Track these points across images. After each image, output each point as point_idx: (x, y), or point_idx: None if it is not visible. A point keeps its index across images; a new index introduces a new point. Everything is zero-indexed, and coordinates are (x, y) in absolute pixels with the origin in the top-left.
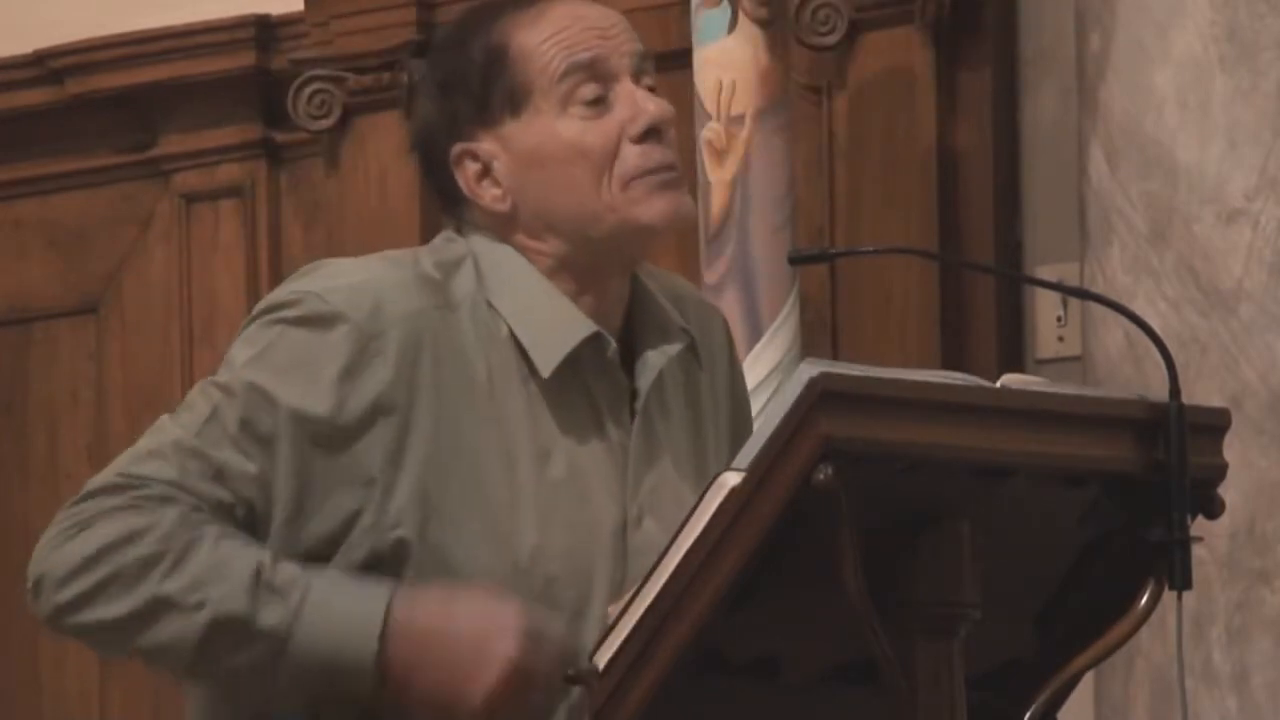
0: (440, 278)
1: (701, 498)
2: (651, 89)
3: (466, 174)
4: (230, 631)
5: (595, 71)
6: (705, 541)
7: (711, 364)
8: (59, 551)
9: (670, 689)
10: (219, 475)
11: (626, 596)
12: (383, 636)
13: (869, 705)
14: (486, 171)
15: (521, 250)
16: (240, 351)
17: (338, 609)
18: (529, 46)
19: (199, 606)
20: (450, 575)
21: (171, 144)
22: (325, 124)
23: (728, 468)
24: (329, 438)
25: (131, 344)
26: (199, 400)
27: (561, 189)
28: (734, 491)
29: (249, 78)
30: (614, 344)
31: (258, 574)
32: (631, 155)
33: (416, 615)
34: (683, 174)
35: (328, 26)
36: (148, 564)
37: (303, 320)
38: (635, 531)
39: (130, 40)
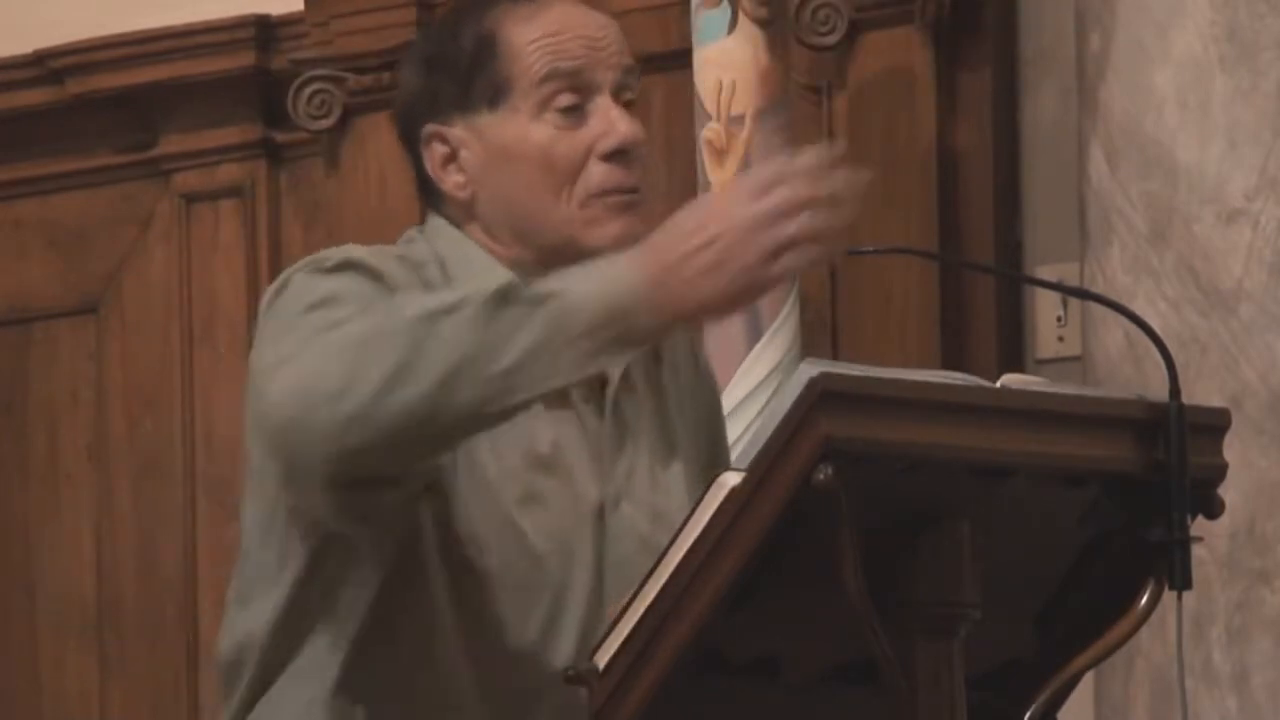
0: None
1: (701, 498)
2: (631, 103)
3: (433, 155)
4: (507, 305)
5: (576, 81)
6: (705, 541)
7: (674, 356)
8: (289, 373)
9: (670, 689)
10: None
11: (626, 596)
12: (639, 268)
13: (869, 705)
14: (453, 156)
15: (481, 242)
16: (292, 297)
17: (583, 271)
18: (517, 44)
19: (466, 301)
20: (448, 529)
21: (171, 144)
22: (325, 124)
23: (729, 468)
24: None
25: (131, 344)
26: (285, 329)
27: (522, 190)
28: (734, 491)
29: (249, 78)
30: None
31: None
32: (596, 172)
33: (651, 244)
34: (645, 197)
35: (328, 26)
36: (390, 310)
37: (341, 266)
38: (613, 514)
39: (130, 40)
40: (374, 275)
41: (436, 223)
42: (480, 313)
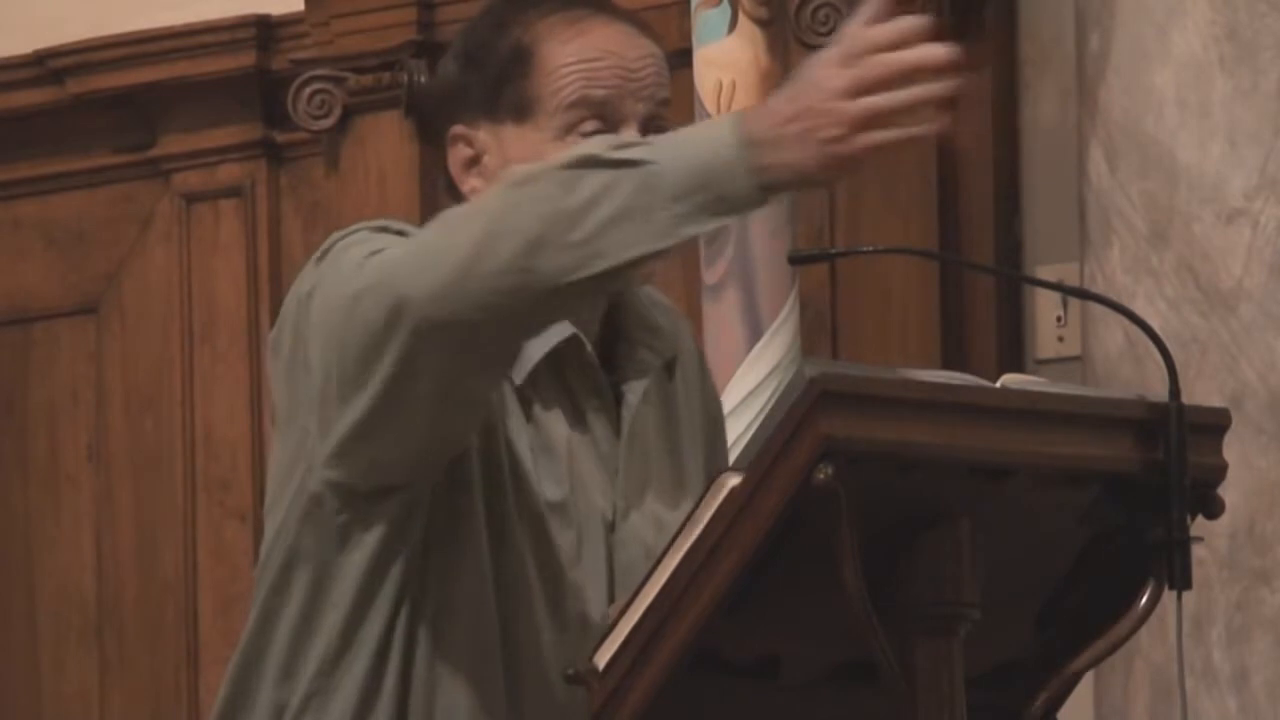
0: None
1: (701, 498)
2: (662, 130)
3: (457, 155)
4: (588, 171)
5: (604, 111)
6: (705, 542)
7: (682, 368)
8: (384, 261)
9: (670, 689)
10: None
11: (627, 597)
12: (735, 132)
13: (869, 705)
14: (476, 160)
15: None
16: (340, 264)
17: (679, 135)
18: (553, 63)
19: (543, 172)
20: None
21: (171, 144)
22: (325, 124)
23: (728, 468)
24: None
25: (131, 344)
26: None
27: None
28: (734, 491)
29: (249, 78)
30: (589, 346)
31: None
32: None
33: (753, 109)
34: None
35: (328, 26)
36: (469, 204)
37: (381, 229)
38: (622, 524)
39: (130, 40)
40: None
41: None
42: (563, 178)
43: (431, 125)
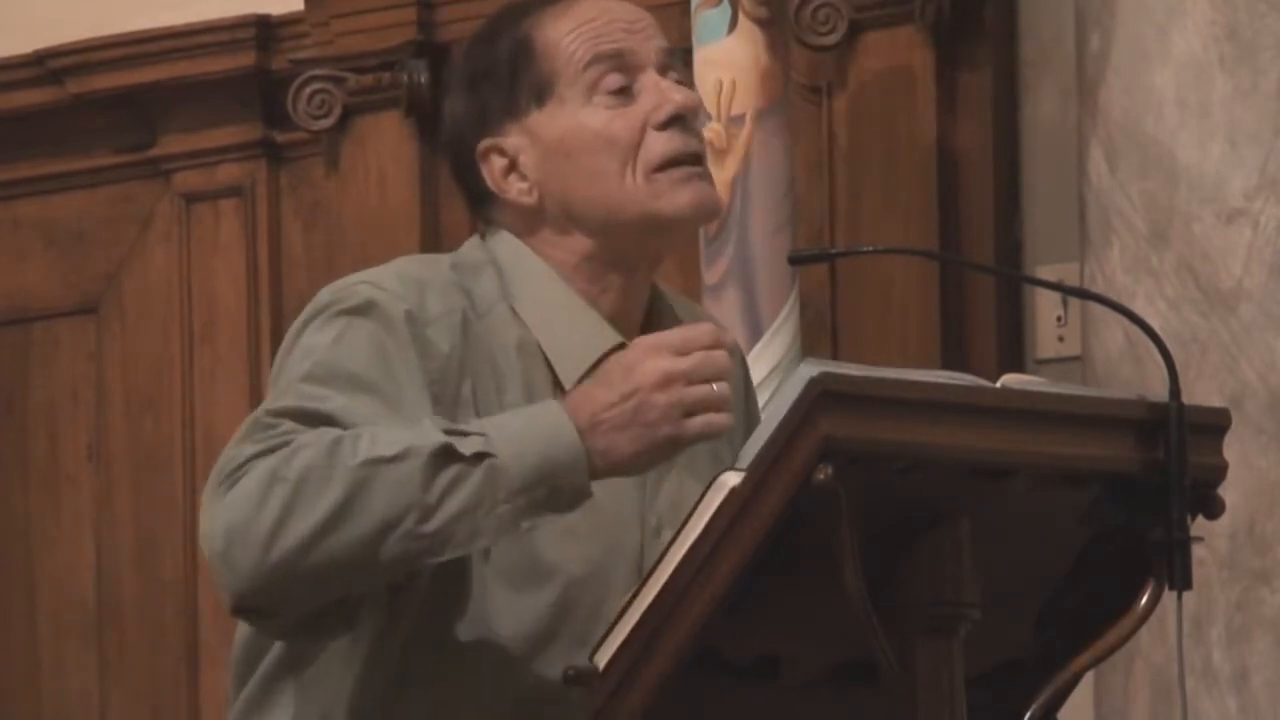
0: (464, 284)
1: (701, 498)
2: (679, 84)
3: (493, 169)
4: (444, 464)
5: (621, 62)
6: (705, 541)
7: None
8: (228, 503)
9: (670, 689)
10: (329, 421)
11: (626, 596)
12: (573, 422)
13: (869, 705)
14: (513, 165)
15: (545, 250)
16: (308, 345)
17: (519, 423)
18: (554, 38)
19: (405, 454)
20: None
21: (171, 144)
22: (325, 124)
23: (728, 468)
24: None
25: (131, 344)
26: (278, 403)
27: (587, 178)
28: (734, 491)
29: (249, 78)
30: None
31: (435, 422)
32: (656, 142)
33: (582, 394)
34: (707, 164)
35: (328, 26)
36: (333, 450)
37: (363, 309)
38: (654, 543)
39: (130, 40)
40: (389, 321)
41: (498, 232)
42: (419, 472)
43: (461, 164)
